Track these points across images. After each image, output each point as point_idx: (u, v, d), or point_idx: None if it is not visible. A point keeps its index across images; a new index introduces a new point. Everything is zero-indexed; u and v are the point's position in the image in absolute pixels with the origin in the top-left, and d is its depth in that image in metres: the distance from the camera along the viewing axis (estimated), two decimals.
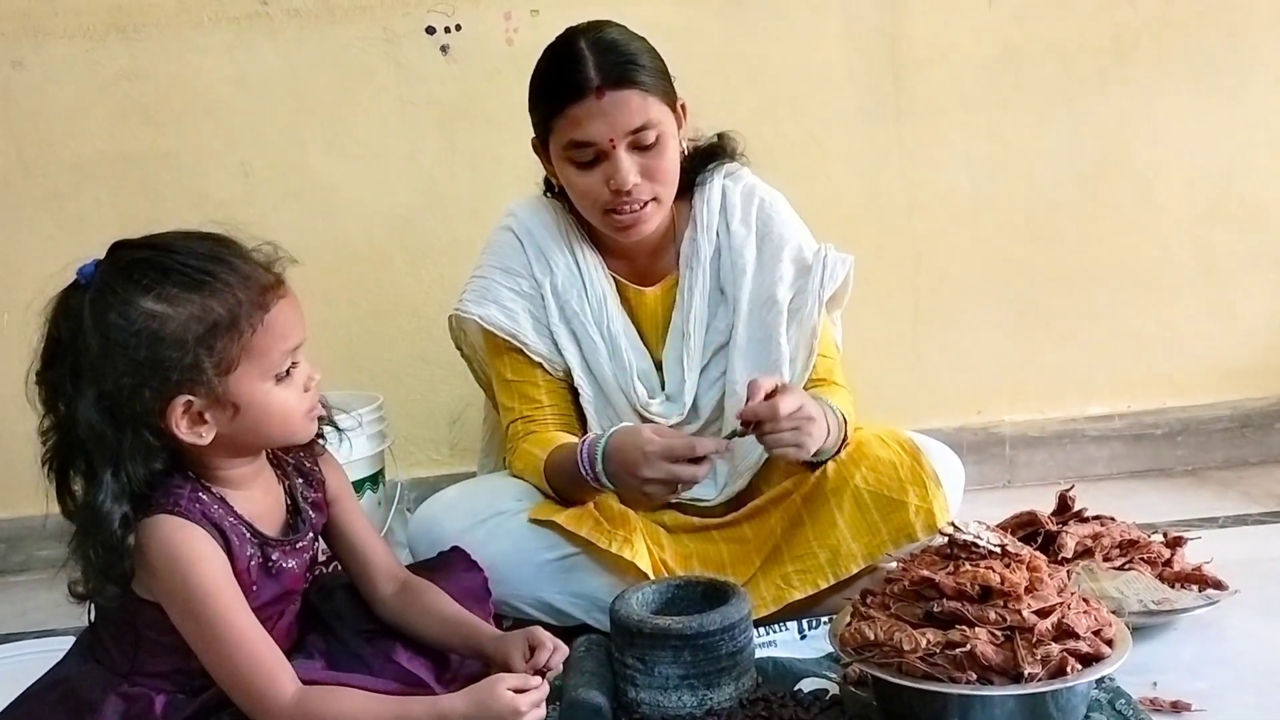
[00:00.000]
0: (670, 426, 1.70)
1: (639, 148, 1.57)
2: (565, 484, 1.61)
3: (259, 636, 1.18)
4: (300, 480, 1.34)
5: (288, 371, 1.21)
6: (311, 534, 1.33)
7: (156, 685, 1.22)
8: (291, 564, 1.28)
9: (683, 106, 1.64)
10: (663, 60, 1.61)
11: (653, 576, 1.56)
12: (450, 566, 1.50)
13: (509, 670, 1.26)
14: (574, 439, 1.66)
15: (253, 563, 1.23)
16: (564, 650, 1.31)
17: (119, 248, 1.19)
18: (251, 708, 1.16)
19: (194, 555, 1.16)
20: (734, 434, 1.50)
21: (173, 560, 1.15)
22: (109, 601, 1.18)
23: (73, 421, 1.14)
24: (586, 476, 1.54)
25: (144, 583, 1.18)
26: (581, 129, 1.55)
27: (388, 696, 1.19)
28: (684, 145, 1.67)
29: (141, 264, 1.15)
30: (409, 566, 1.48)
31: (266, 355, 1.18)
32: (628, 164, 1.56)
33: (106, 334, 1.12)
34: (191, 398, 1.15)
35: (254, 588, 1.22)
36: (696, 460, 1.46)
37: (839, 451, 1.63)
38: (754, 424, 1.46)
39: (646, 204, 1.61)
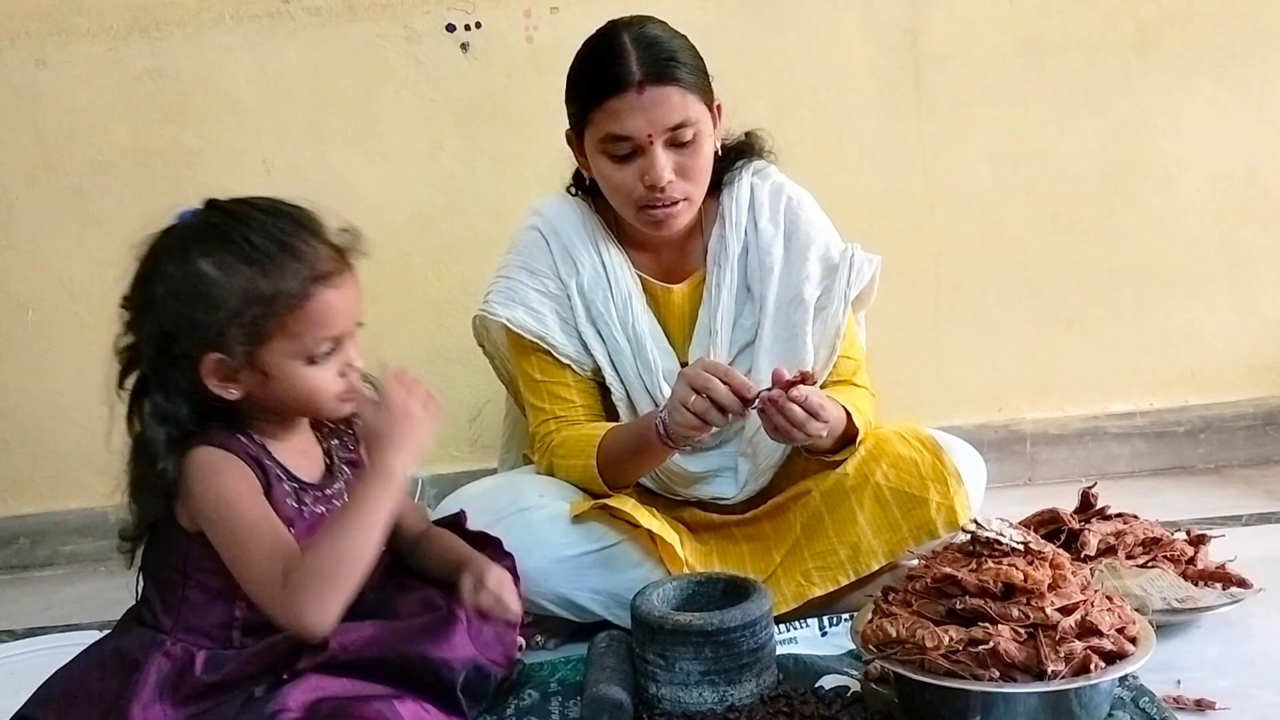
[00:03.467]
0: None
1: (675, 145, 1.57)
2: (622, 448, 1.61)
3: (276, 529, 1.24)
4: (336, 441, 1.41)
5: (326, 354, 1.27)
6: (344, 485, 1.38)
7: (198, 643, 1.26)
8: (322, 510, 1.32)
9: (718, 107, 1.64)
10: (702, 59, 1.61)
11: (674, 571, 1.56)
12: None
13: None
14: None
15: (288, 501, 1.29)
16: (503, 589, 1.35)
17: (210, 205, 1.28)
18: (266, 595, 1.20)
19: (228, 471, 1.24)
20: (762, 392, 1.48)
21: (208, 477, 1.24)
22: (154, 516, 1.26)
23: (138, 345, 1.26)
24: (657, 414, 1.54)
25: (186, 511, 1.25)
26: (620, 122, 1.55)
27: (350, 503, 1.23)
28: (718, 144, 1.66)
29: (212, 228, 1.25)
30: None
31: (300, 338, 1.25)
32: (663, 160, 1.56)
33: (165, 281, 1.23)
34: (223, 357, 1.23)
35: (291, 529, 1.27)
36: (734, 390, 1.44)
37: (844, 447, 1.63)
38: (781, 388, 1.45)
39: (679, 202, 1.61)
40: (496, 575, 1.36)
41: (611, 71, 1.55)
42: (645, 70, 1.53)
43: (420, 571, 1.45)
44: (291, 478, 1.30)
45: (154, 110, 2.28)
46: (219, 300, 1.21)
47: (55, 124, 2.28)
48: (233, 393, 1.25)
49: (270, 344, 1.23)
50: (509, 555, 1.49)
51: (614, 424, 1.67)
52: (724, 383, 1.45)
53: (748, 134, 1.74)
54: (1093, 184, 2.32)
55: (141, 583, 1.33)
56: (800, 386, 1.45)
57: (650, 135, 1.55)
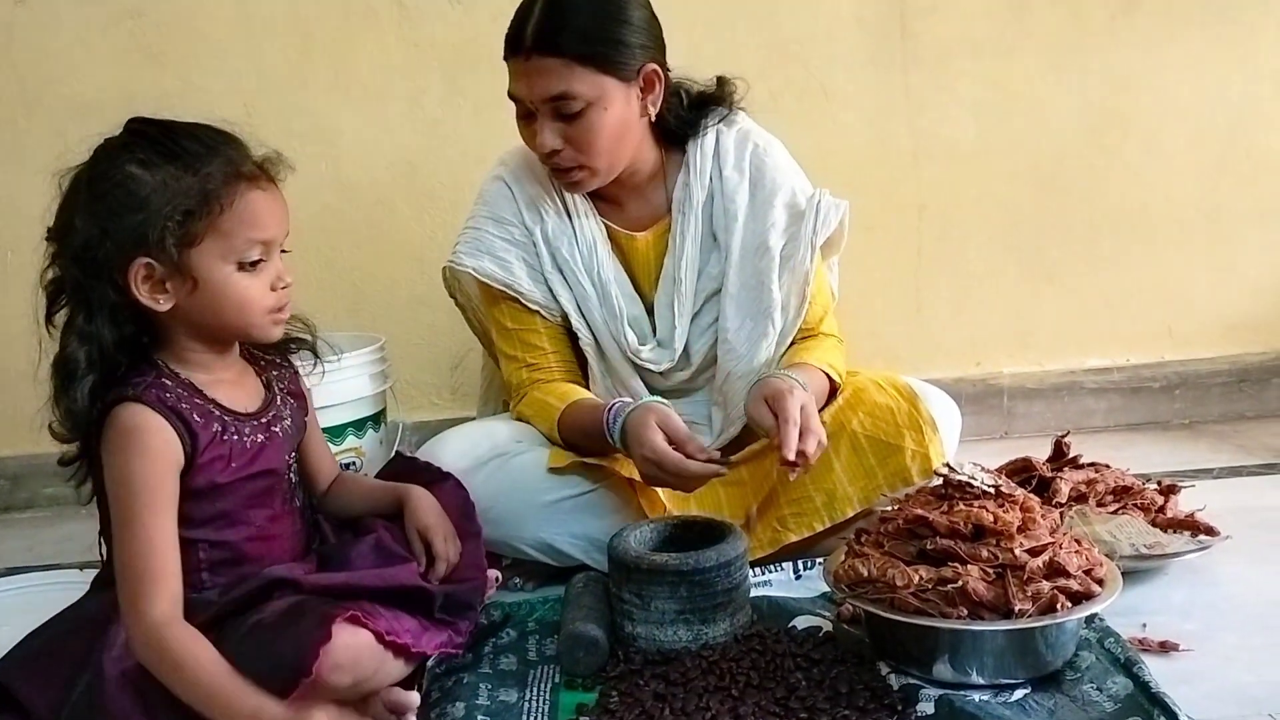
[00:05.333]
0: (661, 372, 1.72)
1: (560, 115, 1.56)
2: (581, 439, 1.63)
3: (167, 546, 1.19)
4: (275, 373, 1.39)
5: (254, 263, 1.24)
6: (288, 414, 1.36)
7: None
8: (262, 439, 1.30)
9: (655, 73, 1.60)
10: (636, 26, 1.57)
11: (652, 515, 1.58)
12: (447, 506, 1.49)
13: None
14: (587, 393, 1.69)
15: (224, 435, 1.26)
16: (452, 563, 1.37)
17: (133, 122, 1.25)
18: (125, 607, 1.17)
19: (143, 445, 1.19)
20: (728, 463, 1.51)
21: (124, 444, 1.19)
22: (66, 442, 1.23)
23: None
24: (609, 439, 1.55)
25: (104, 464, 1.22)
26: (513, 83, 1.58)
27: (235, 675, 1.14)
28: (652, 110, 1.63)
29: (137, 134, 1.23)
30: (400, 469, 1.56)
31: (230, 238, 1.22)
32: (545, 129, 1.57)
33: (91, 189, 1.20)
34: (152, 261, 1.19)
35: (231, 462, 1.26)
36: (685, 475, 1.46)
37: (828, 403, 1.65)
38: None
39: (573, 169, 1.61)
40: (441, 538, 1.38)
41: (512, 32, 1.56)
42: (535, 38, 1.52)
43: (339, 512, 1.46)
44: (225, 410, 1.27)
45: (134, 51, 2.26)
46: (145, 199, 1.18)
47: (34, 64, 2.25)
48: (162, 303, 1.21)
49: (200, 245, 1.20)
50: (462, 488, 1.50)
51: (574, 400, 1.66)
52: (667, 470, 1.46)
53: (718, 80, 1.73)
54: (1075, 138, 2.32)
55: (103, 544, 1.29)
56: (789, 425, 1.45)
57: (533, 102, 1.56)
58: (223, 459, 1.25)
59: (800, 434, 1.43)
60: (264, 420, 1.32)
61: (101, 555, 1.31)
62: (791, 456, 1.42)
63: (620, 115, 1.59)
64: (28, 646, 1.25)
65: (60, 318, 1.24)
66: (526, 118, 1.60)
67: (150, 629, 1.15)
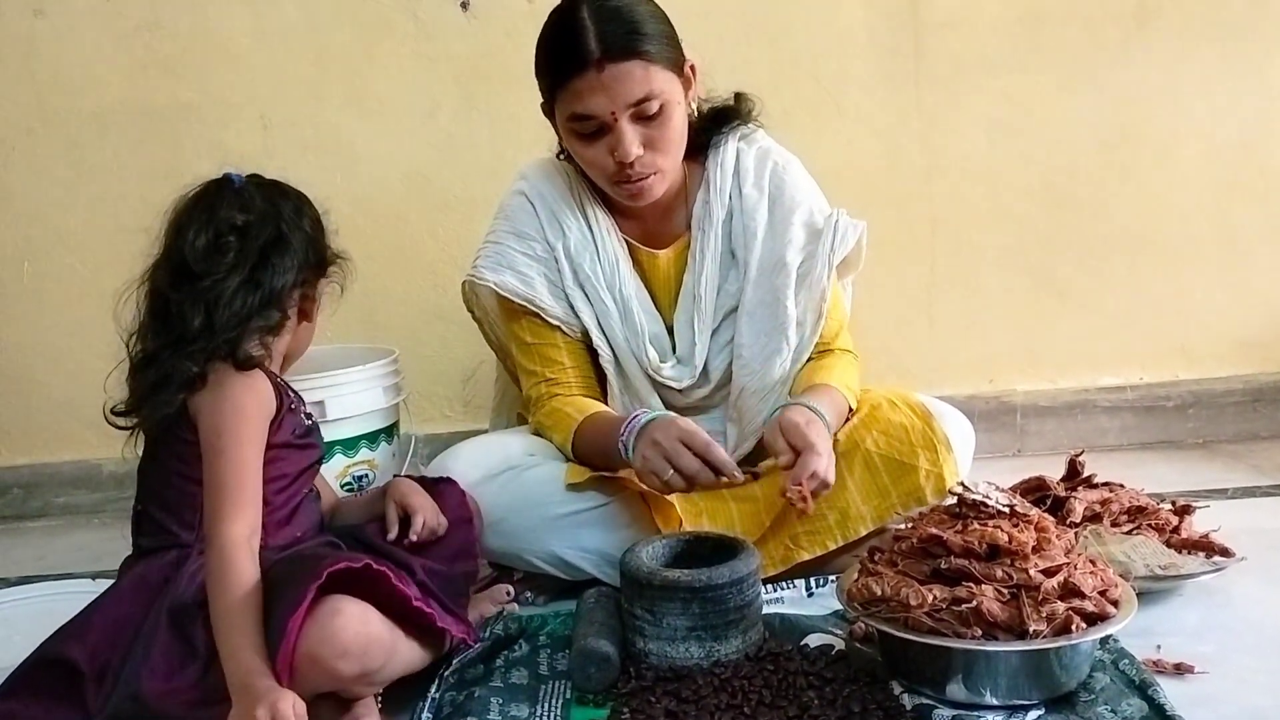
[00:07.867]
0: (680, 389, 1.72)
1: (642, 118, 1.55)
2: (592, 449, 1.63)
3: (256, 474, 1.29)
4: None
5: None
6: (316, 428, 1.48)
7: None
8: (309, 425, 1.44)
9: (692, 68, 1.61)
10: (669, 23, 1.58)
11: (666, 529, 1.57)
12: (442, 497, 1.54)
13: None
14: (607, 408, 1.69)
15: (292, 407, 1.39)
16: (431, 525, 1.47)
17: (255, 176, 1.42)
18: (210, 517, 1.25)
19: (254, 386, 1.32)
20: (756, 475, 1.51)
21: (237, 381, 1.31)
22: (168, 408, 1.29)
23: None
24: (619, 437, 1.54)
25: (197, 401, 1.30)
26: (583, 102, 1.53)
27: (259, 630, 1.18)
28: (693, 106, 1.65)
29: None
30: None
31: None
32: (630, 136, 1.55)
33: (286, 220, 1.37)
34: (314, 288, 1.43)
35: (294, 430, 1.38)
36: (707, 463, 1.46)
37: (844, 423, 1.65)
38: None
39: (650, 175, 1.60)
40: (417, 500, 1.48)
41: (570, 50, 1.52)
42: (604, 47, 1.50)
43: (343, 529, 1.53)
44: (290, 389, 1.42)
45: (151, 63, 2.27)
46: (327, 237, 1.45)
47: (52, 75, 2.27)
48: (301, 322, 1.43)
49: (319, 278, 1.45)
50: (455, 484, 1.56)
51: (591, 413, 1.66)
52: (704, 458, 1.46)
53: (736, 96, 1.73)
54: (1089, 156, 2.32)
55: (144, 518, 1.34)
56: (809, 467, 1.46)
57: (614, 113, 1.53)
58: (289, 425, 1.37)
59: (806, 469, 1.45)
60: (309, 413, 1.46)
61: (137, 530, 1.36)
62: (794, 492, 1.44)
63: (683, 111, 1.60)
64: (79, 619, 1.28)
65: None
66: (592, 136, 1.57)
67: (226, 542, 1.22)
